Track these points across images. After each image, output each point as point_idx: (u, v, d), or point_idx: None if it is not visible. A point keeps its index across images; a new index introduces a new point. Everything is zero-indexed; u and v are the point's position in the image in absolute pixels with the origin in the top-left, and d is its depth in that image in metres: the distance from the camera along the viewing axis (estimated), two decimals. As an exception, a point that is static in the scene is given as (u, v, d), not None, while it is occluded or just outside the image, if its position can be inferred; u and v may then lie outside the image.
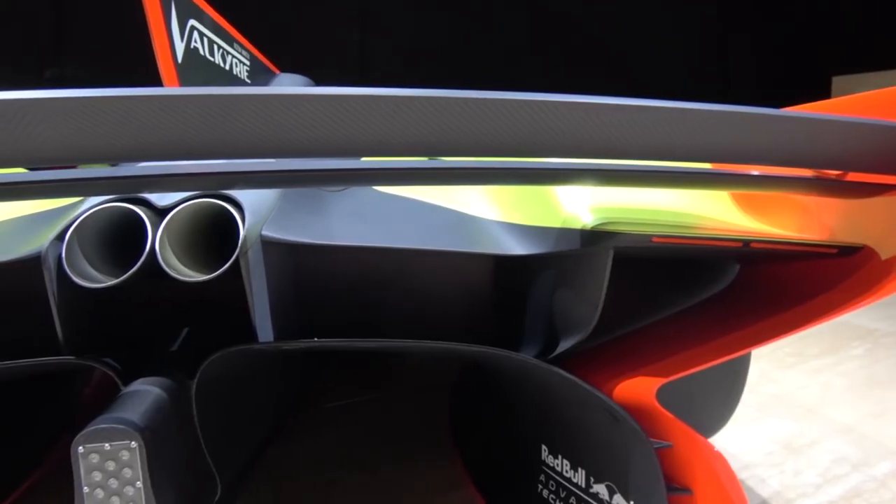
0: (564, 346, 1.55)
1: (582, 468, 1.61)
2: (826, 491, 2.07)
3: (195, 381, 1.38)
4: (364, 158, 1.05)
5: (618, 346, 1.64)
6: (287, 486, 2.14)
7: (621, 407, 1.42)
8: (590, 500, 1.59)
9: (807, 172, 1.30)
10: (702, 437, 1.40)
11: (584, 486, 1.61)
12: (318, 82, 3.20)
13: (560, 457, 1.69)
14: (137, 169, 1.07)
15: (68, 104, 0.85)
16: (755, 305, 1.59)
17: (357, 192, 1.78)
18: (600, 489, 1.56)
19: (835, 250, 1.40)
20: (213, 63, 2.06)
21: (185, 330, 1.53)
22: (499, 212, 1.69)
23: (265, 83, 3.05)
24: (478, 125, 1.00)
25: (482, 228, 1.63)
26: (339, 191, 1.81)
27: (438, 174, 1.23)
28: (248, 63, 2.63)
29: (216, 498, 1.46)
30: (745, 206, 1.73)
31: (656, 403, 1.41)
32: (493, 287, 1.73)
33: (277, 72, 3.39)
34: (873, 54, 9.37)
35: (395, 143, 1.01)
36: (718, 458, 1.39)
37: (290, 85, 3.19)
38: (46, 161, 0.92)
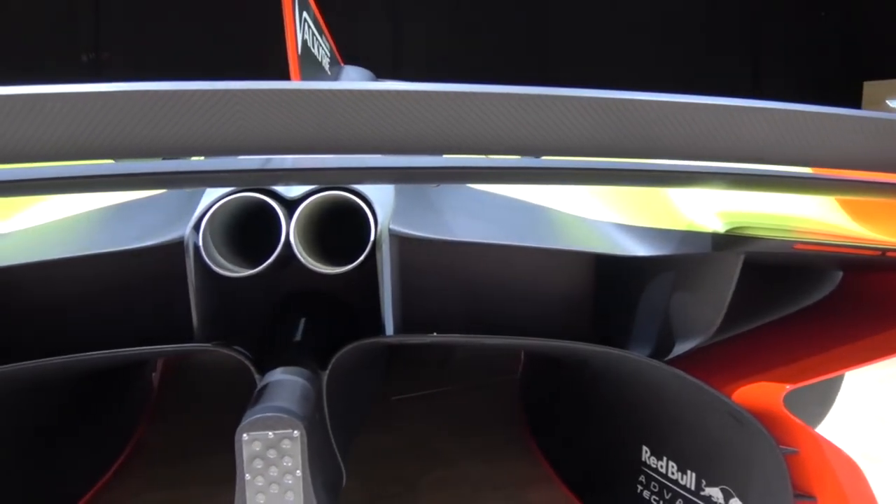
0: (682, 348, 1.56)
1: (692, 471, 1.62)
2: (912, 501, 2.07)
3: (327, 371, 1.40)
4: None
5: (731, 349, 1.63)
6: (370, 481, 2.15)
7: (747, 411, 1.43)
8: (700, 503, 1.59)
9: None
10: (831, 444, 1.40)
11: (693, 488, 1.62)
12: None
13: (665, 458, 1.69)
14: (279, 161, 1.07)
15: (222, 96, 0.82)
16: (872, 315, 1.59)
17: (458, 189, 1.78)
18: (714, 492, 1.56)
19: (969, 262, 1.39)
20: (314, 55, 2.07)
21: (309, 321, 1.54)
22: (611, 213, 1.69)
23: (336, 76, 3.06)
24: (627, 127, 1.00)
25: (596, 229, 1.64)
26: (436, 186, 1.82)
27: (573, 174, 1.22)
28: (329, 55, 2.64)
29: (343, 486, 1.47)
30: (853, 212, 1.73)
31: (784, 409, 1.41)
32: (604, 286, 1.73)
33: (342, 63, 3.39)
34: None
35: (542, 142, 1.01)
36: (848, 465, 1.39)
37: (356, 78, 3.19)
38: (183, 153, 0.92)
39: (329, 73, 2.66)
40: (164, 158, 1.03)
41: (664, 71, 9.52)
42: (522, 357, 2.83)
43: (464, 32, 9.29)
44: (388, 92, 0.88)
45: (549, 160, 1.14)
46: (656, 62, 9.82)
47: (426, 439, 2.48)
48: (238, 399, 1.69)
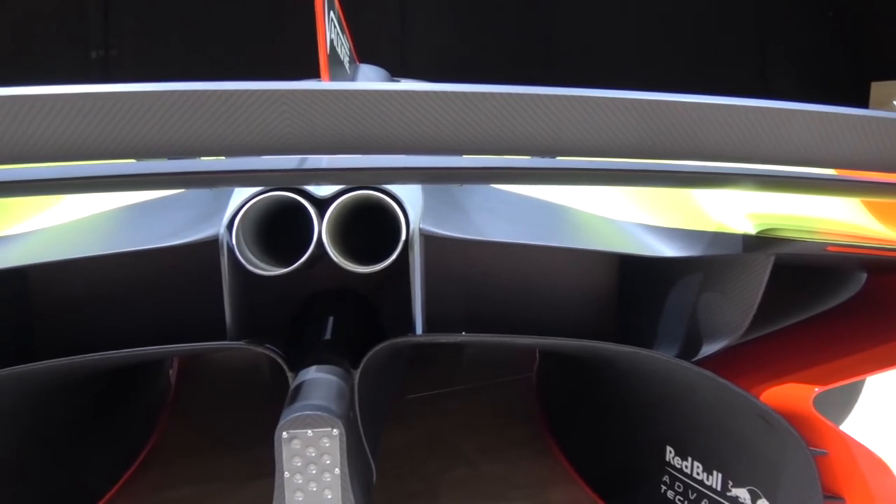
0: (709, 349, 1.56)
1: (718, 471, 1.62)
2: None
3: (359, 370, 1.40)
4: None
5: (758, 350, 1.64)
6: (388, 479, 2.15)
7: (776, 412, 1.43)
8: (726, 503, 1.60)
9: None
10: (861, 445, 1.40)
11: (719, 489, 1.62)
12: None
13: (690, 459, 1.70)
14: (314, 161, 1.08)
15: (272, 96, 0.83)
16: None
17: (483, 189, 1.79)
18: (741, 493, 1.57)
19: None
20: (338, 54, 2.08)
21: (340, 319, 1.55)
22: (639, 214, 1.70)
23: (354, 74, 3.05)
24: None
25: (624, 229, 1.64)
26: (459, 186, 1.82)
27: (601, 175, 1.22)
28: (348, 54, 2.64)
29: (373, 483, 1.48)
30: (881, 214, 1.73)
31: (813, 410, 1.42)
32: (632, 287, 1.74)
33: (357, 61, 3.38)
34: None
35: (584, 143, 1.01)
36: (878, 466, 1.40)
37: (373, 77, 3.18)
38: (225, 153, 0.92)
39: (349, 71, 2.67)
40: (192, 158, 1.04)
41: (669, 70, 9.46)
42: (537, 355, 2.84)
43: (467, 29, 9.25)
44: (435, 93, 0.89)
45: (578, 160, 1.15)
46: (661, 61, 9.75)
47: (444, 437, 2.48)
48: (252, 396, 1.71)
